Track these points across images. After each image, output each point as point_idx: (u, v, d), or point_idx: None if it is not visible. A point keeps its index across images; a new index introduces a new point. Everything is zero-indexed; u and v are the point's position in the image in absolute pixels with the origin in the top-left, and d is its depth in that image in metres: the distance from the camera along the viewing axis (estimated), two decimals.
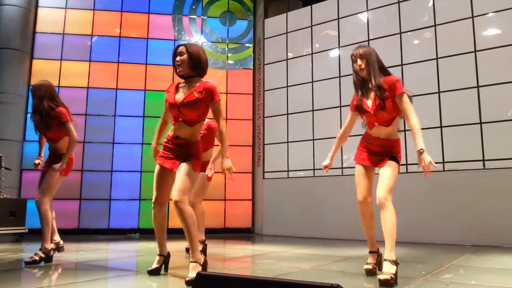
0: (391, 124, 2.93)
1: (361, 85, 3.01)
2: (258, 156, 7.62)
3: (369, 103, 2.93)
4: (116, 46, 7.49)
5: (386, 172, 2.87)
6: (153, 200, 3.01)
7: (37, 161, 4.01)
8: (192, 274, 2.67)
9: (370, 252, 3.14)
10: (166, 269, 3.14)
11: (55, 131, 3.78)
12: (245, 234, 7.19)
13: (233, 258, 4.21)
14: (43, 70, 7.20)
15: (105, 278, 3.13)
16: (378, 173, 3.03)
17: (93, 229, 6.79)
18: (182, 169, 2.82)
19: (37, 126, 3.84)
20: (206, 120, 3.86)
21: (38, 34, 7.33)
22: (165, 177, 2.93)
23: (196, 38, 7.85)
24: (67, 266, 3.60)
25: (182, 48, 2.90)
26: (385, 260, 2.70)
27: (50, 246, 3.68)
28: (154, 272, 3.00)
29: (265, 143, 7.50)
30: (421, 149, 2.72)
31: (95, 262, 3.82)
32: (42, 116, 3.73)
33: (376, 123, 2.95)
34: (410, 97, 2.87)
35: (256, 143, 7.72)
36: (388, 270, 2.62)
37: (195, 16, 7.92)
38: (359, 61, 2.96)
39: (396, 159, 2.94)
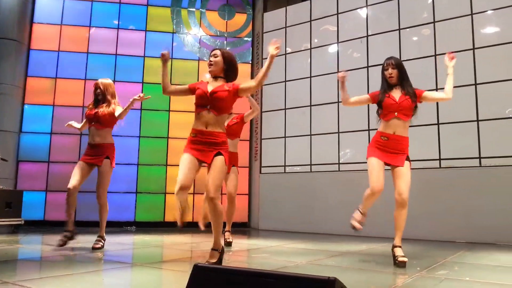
0: (409, 118, 3.37)
1: (388, 86, 3.45)
2: (255, 151, 7.62)
3: (395, 95, 3.38)
4: (114, 37, 7.44)
5: (407, 173, 3.27)
6: (180, 187, 2.88)
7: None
8: (212, 260, 2.98)
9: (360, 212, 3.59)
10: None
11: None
12: (241, 228, 7.20)
13: (228, 252, 4.22)
14: (41, 61, 7.16)
15: (101, 270, 3.13)
16: (387, 169, 3.37)
17: (90, 221, 6.76)
18: (221, 164, 2.96)
19: (93, 116, 4.25)
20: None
21: (36, 24, 7.28)
22: (193, 166, 2.97)
23: (194, 31, 7.82)
24: (63, 257, 3.59)
25: (216, 52, 3.15)
26: (400, 247, 3.28)
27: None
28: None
29: (262, 137, 7.49)
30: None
31: (91, 254, 3.82)
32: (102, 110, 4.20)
33: (396, 113, 3.32)
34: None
35: (253, 138, 7.71)
36: (403, 253, 3.24)
37: (194, 9, 7.88)
38: (390, 70, 3.42)
39: (408, 158, 3.36)
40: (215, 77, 3.15)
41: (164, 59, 3.16)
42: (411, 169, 3.36)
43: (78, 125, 4.47)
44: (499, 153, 5.24)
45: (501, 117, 5.30)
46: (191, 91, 3.15)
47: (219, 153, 2.98)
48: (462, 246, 4.79)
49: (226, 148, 3.06)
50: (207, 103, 3.01)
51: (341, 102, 6.47)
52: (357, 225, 3.36)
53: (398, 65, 3.43)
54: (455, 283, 2.68)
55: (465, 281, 2.73)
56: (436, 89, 5.76)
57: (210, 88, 3.06)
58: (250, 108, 4.79)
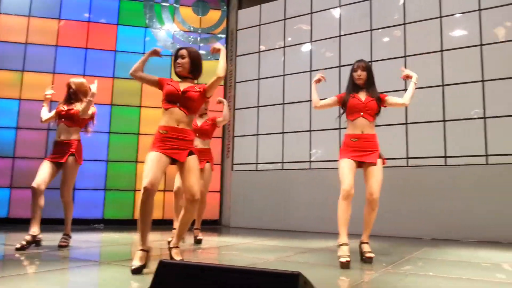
0: (374, 119, 3.42)
1: (353, 88, 3.49)
2: (228, 148, 7.60)
3: (361, 97, 3.44)
4: (84, 30, 7.27)
5: (378, 173, 3.31)
6: (147, 186, 2.73)
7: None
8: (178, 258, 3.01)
9: (345, 244, 3.12)
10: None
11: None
12: (212, 226, 7.17)
13: (198, 249, 4.20)
14: (6, 53, 6.90)
15: (67, 268, 3.07)
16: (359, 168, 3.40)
17: (56, 218, 6.59)
18: (197, 164, 2.99)
19: (66, 116, 4.14)
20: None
21: (2, 15, 7.00)
22: (164, 165, 2.89)
23: (168, 26, 7.72)
24: (28, 256, 3.50)
25: (183, 52, 3.13)
26: (367, 243, 3.36)
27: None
28: (138, 271, 2.65)
29: (235, 135, 7.48)
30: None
31: (57, 252, 3.73)
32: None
33: (362, 114, 3.37)
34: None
35: (226, 135, 7.69)
36: (370, 249, 3.32)
37: (167, 4, 7.78)
38: (360, 72, 3.45)
39: (381, 155, 3.39)
40: (183, 78, 3.18)
41: (154, 52, 3.18)
42: (384, 166, 3.41)
43: (47, 112, 4.33)
44: (464, 152, 5.41)
45: (466, 118, 5.47)
46: (159, 84, 3.11)
47: (191, 152, 2.98)
48: (427, 242, 4.92)
49: (194, 147, 3.08)
50: (178, 100, 3.00)
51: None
52: (343, 260, 3.02)
53: (367, 68, 3.48)
54: (419, 278, 2.75)
55: (429, 276, 2.81)
56: (405, 89, 5.88)
57: (182, 87, 3.06)
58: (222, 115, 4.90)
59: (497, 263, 3.40)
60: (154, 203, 2.82)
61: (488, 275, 2.91)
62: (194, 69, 3.15)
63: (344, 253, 3.06)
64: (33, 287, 2.37)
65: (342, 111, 3.55)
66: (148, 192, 2.74)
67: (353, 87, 3.50)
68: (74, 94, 4.19)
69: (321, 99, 3.62)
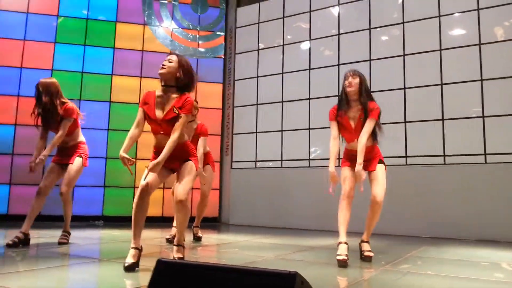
0: (369, 137, 3.30)
1: (345, 101, 3.36)
2: (227, 146, 7.61)
3: (351, 123, 3.33)
4: (83, 29, 7.25)
5: (381, 177, 3.34)
6: (143, 184, 2.77)
7: (42, 157, 3.83)
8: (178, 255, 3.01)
9: (343, 243, 3.15)
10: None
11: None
12: (212, 223, 7.18)
13: (197, 246, 4.21)
14: (5, 49, 6.90)
15: (67, 265, 3.08)
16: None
17: (55, 215, 6.60)
18: (188, 169, 2.93)
19: (47, 122, 4.02)
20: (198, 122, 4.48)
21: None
22: (162, 174, 2.90)
23: (166, 23, 7.71)
24: (28, 253, 3.51)
25: (172, 56, 2.95)
26: (367, 242, 3.39)
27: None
28: (131, 269, 2.67)
29: (234, 132, 7.49)
30: (360, 162, 3.19)
31: (56, 249, 3.74)
32: (51, 113, 3.96)
33: (356, 140, 3.32)
34: (379, 125, 3.37)
35: (225, 133, 7.70)
36: (370, 248, 3.35)
37: (166, 1, 7.77)
38: (350, 78, 3.31)
39: (382, 161, 3.42)
40: (165, 85, 2.93)
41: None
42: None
43: (45, 153, 3.91)
44: (463, 151, 5.43)
45: (465, 117, 5.48)
46: (144, 116, 2.94)
47: (187, 160, 2.97)
48: (426, 241, 4.94)
49: (194, 155, 3.04)
50: (160, 130, 2.92)
51: (312, 99, 6.61)
52: (340, 258, 3.02)
53: (359, 74, 3.37)
54: (417, 276, 2.77)
55: (427, 275, 2.82)
56: (404, 88, 5.90)
57: (158, 113, 2.88)
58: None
59: (495, 262, 3.41)
60: (149, 204, 2.84)
61: (486, 274, 2.93)
62: (183, 78, 2.91)
63: (342, 252, 3.08)
64: (33, 283, 2.38)
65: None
66: (144, 192, 2.76)
67: (345, 100, 3.36)
68: (49, 100, 3.98)
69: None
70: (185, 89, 2.97)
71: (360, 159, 3.19)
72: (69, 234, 4.12)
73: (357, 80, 3.31)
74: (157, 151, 2.92)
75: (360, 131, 3.27)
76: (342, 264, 3.00)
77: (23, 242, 3.78)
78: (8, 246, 3.66)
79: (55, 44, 7.09)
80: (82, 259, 3.28)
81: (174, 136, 2.82)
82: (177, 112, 2.86)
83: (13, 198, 6.60)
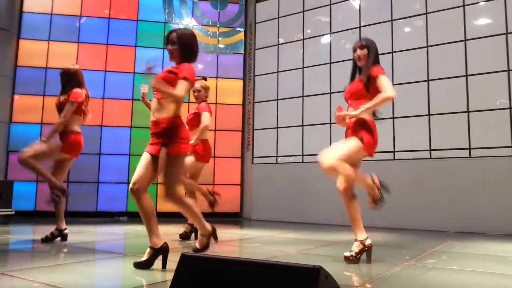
0: (364, 103, 3.03)
1: (355, 74, 3.23)
2: (248, 141, 7.62)
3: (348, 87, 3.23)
4: (105, 27, 7.37)
5: (340, 144, 3.12)
6: (130, 186, 2.70)
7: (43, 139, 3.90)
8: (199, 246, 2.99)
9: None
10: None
11: None
12: (233, 218, 7.22)
13: (220, 242, 4.23)
14: (30, 51, 7.08)
15: (92, 260, 3.14)
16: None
17: (81, 211, 6.77)
18: (161, 159, 2.74)
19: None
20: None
21: (25, 13, 7.18)
22: (147, 162, 2.75)
23: (187, 21, 7.75)
24: (54, 248, 3.59)
25: (174, 36, 2.82)
26: (355, 239, 3.07)
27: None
28: (139, 266, 2.67)
29: (255, 128, 7.49)
30: (364, 108, 2.96)
31: (82, 244, 3.82)
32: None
33: (348, 102, 3.23)
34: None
35: (245, 128, 7.71)
36: (354, 247, 3.03)
37: None
38: (358, 51, 3.13)
39: (361, 138, 3.04)
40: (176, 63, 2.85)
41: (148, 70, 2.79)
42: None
43: (47, 137, 3.95)
44: (488, 144, 5.29)
45: (492, 108, 5.34)
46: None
47: (164, 145, 2.70)
48: (451, 235, 4.85)
49: (173, 136, 2.71)
50: (154, 86, 2.73)
51: (333, 93, 6.55)
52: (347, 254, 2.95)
53: (368, 44, 3.14)
54: (443, 271, 2.72)
55: (453, 270, 2.77)
56: (427, 80, 5.79)
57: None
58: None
59: None
60: (149, 201, 2.72)
61: None
62: (184, 51, 2.82)
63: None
64: (60, 278, 2.43)
65: None
66: (134, 193, 2.65)
67: (358, 72, 3.21)
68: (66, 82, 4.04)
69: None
70: (190, 59, 2.85)
71: (367, 105, 2.95)
72: (63, 230, 3.90)
73: (365, 51, 3.11)
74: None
75: (353, 91, 3.12)
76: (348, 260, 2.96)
77: (59, 237, 3.84)
78: (43, 240, 3.76)
79: (78, 44, 7.23)
80: (108, 254, 3.34)
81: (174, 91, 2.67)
82: (170, 69, 2.77)
83: (40, 195, 6.77)
